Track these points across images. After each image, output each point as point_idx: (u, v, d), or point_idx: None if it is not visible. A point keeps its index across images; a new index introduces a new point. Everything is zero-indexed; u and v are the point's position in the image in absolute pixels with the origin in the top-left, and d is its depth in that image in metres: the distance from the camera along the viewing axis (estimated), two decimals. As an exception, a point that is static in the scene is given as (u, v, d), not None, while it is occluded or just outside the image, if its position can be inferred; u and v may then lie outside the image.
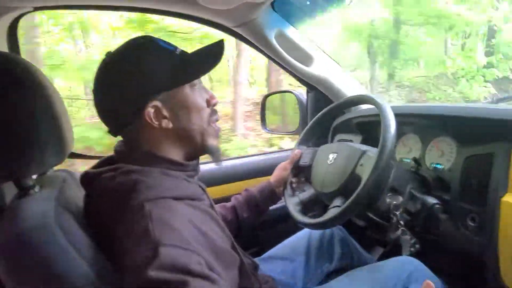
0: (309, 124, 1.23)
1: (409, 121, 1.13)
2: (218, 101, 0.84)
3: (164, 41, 0.77)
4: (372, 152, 0.92)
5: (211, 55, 0.80)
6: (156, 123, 0.73)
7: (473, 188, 0.88)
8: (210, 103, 0.82)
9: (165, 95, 0.73)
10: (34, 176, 0.72)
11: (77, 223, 0.63)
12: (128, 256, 0.58)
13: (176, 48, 0.77)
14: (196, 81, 0.79)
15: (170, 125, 0.75)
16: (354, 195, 0.83)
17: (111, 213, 0.65)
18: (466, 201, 0.90)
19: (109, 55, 0.74)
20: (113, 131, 0.77)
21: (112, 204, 0.65)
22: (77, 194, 0.75)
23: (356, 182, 0.87)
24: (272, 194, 1.13)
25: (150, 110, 0.71)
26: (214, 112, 0.83)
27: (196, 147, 0.81)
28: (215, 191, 1.30)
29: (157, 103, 0.72)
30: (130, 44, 0.76)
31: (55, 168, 0.78)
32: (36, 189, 0.67)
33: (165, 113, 0.73)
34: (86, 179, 0.73)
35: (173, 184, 0.72)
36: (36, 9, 1.02)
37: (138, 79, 0.72)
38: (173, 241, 0.58)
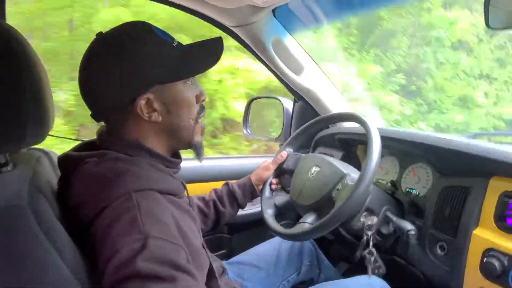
0: (299, 129, 1.23)
1: (390, 144, 1.16)
2: (206, 97, 0.82)
3: (162, 31, 0.74)
4: (351, 179, 0.91)
5: (211, 53, 0.77)
6: (146, 115, 0.70)
7: (446, 217, 0.90)
8: (199, 99, 0.80)
9: (158, 88, 0.71)
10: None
11: (51, 208, 0.60)
12: (114, 245, 0.55)
13: (173, 40, 0.74)
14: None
15: (160, 119, 0.72)
16: (325, 218, 0.83)
17: (94, 199, 0.62)
18: (437, 229, 0.92)
19: (103, 36, 0.70)
20: (97, 116, 0.73)
21: (96, 190, 0.62)
22: (51, 176, 0.71)
23: (330, 204, 0.88)
24: (252, 191, 1.13)
25: (142, 102, 0.69)
26: (202, 108, 0.82)
27: (181, 143, 0.80)
28: (195, 188, 1.28)
29: (149, 95, 0.70)
30: (128, 28, 0.72)
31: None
32: (9, 167, 0.63)
33: (156, 106, 0.71)
34: (67, 161, 0.70)
35: (159, 177, 0.70)
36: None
37: (135, 69, 0.68)
38: (162, 235, 0.57)
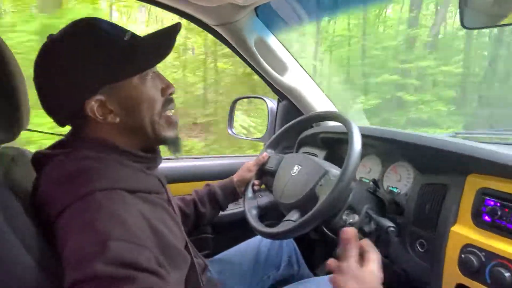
0: (280, 130, 1.23)
1: (372, 143, 1.17)
2: (174, 89, 0.78)
3: (112, 25, 0.69)
4: (333, 174, 0.93)
5: (161, 44, 0.71)
6: (101, 117, 0.67)
7: (426, 215, 0.92)
8: (165, 92, 0.76)
9: (110, 87, 0.67)
10: None
11: (22, 207, 0.59)
12: (74, 246, 0.54)
13: (125, 33, 0.69)
14: (148, 70, 0.72)
15: (117, 120, 0.69)
16: (309, 214, 0.83)
17: (57, 198, 0.60)
18: (417, 227, 0.93)
19: (51, 39, 0.67)
20: (57, 122, 0.71)
21: (61, 189, 0.61)
22: (27, 175, 0.70)
23: (314, 200, 0.88)
24: (233, 193, 1.13)
25: (93, 104, 0.66)
26: (168, 101, 0.77)
27: (149, 140, 0.76)
28: (177, 188, 1.27)
29: (100, 97, 0.66)
30: (72, 28, 0.68)
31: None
32: None
33: (110, 107, 0.68)
34: (37, 159, 0.69)
35: (128, 175, 0.68)
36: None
37: (77, 73, 0.65)
38: (122, 235, 0.55)
